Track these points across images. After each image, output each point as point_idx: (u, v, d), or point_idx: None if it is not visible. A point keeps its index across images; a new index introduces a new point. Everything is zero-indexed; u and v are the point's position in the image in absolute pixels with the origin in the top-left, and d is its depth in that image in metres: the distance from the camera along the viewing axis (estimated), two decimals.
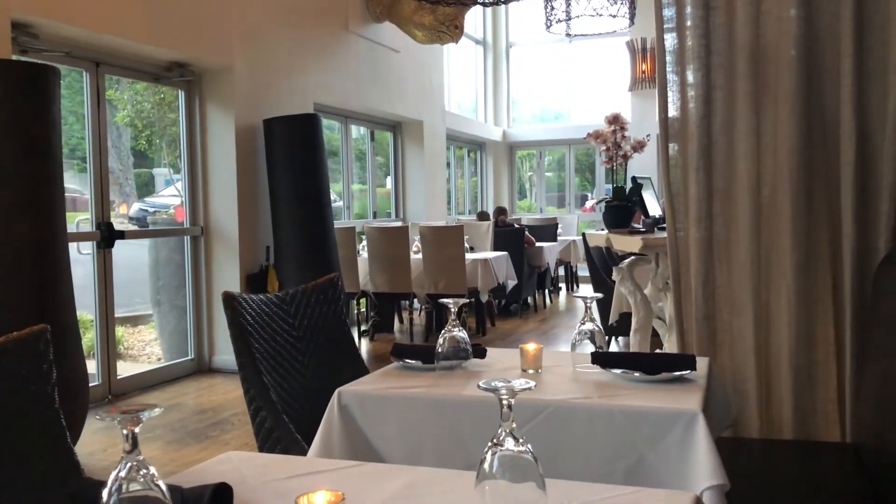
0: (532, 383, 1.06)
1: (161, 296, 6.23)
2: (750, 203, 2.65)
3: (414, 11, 7.55)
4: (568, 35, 7.08)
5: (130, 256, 5.81)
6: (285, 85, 6.39)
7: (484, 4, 6.37)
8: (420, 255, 6.83)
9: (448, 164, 10.70)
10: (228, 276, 5.84)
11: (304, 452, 1.93)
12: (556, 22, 6.54)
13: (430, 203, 9.51)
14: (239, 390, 5.20)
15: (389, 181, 9.55)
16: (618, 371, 1.94)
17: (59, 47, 4.60)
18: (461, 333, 2.03)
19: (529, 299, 8.79)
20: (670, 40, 2.79)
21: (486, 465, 1.08)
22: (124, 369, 5.48)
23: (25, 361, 1.52)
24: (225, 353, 5.85)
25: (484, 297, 6.96)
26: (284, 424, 2.01)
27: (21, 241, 3.60)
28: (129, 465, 1.00)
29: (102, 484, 1.22)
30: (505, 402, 1.06)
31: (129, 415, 1.00)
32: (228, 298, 2.07)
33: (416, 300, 7.05)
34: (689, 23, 2.73)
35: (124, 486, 1.00)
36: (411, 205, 9.45)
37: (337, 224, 6.54)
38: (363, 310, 7.43)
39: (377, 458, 1.88)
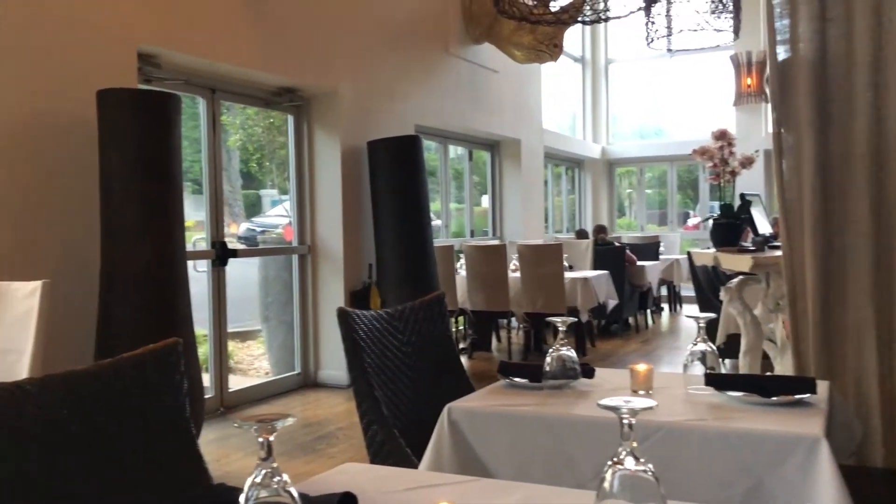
0: (653, 402, 1.06)
1: (269, 312, 6.47)
2: (870, 221, 2.54)
3: (513, 32, 7.61)
4: (669, 50, 6.97)
5: (240, 274, 6.05)
6: (388, 107, 6.55)
7: (584, 22, 6.34)
8: (518, 274, 6.83)
9: (545, 182, 10.67)
10: (333, 293, 6.00)
11: (414, 466, 1.96)
12: (657, 38, 6.45)
13: (527, 221, 9.50)
14: (343, 405, 5.36)
15: (485, 200, 9.61)
16: (734, 393, 1.90)
17: (178, 75, 4.88)
18: (569, 352, 2.03)
19: (630, 319, 8.63)
20: (783, 53, 2.72)
21: (606, 485, 1.08)
22: (235, 382, 5.71)
23: (160, 372, 1.62)
24: (330, 368, 6.01)
25: (584, 317, 6.89)
26: (395, 438, 2.05)
27: (144, 259, 3.83)
28: (263, 471, 1.06)
29: (235, 490, 1.29)
30: (626, 421, 1.06)
31: (265, 423, 1.06)
32: (342, 314, 2.14)
33: (513, 319, 7.05)
34: (802, 34, 2.65)
35: (259, 492, 1.06)
36: (508, 223, 9.47)
37: (435, 242, 6.63)
38: (461, 328, 7.48)
39: (486, 473, 1.90)
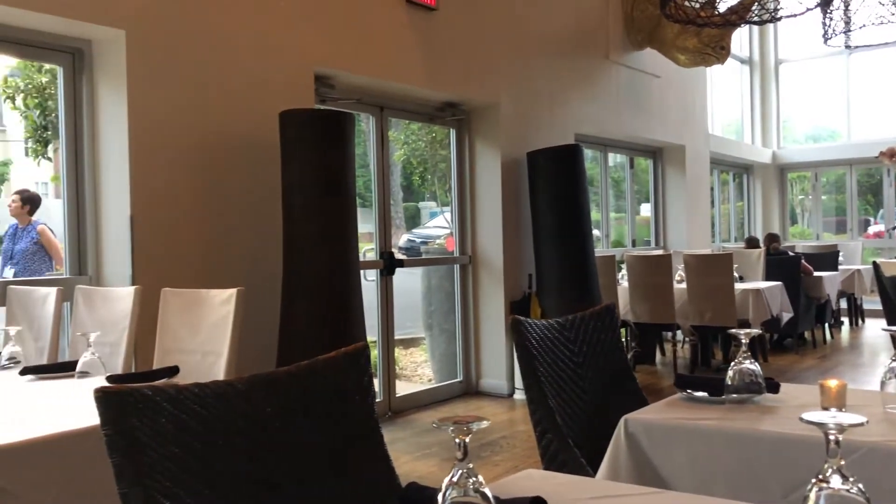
0: (864, 419, 1.01)
1: (432, 320, 6.63)
2: None
3: (677, 35, 7.40)
4: (847, 47, 6.54)
5: (403, 284, 6.25)
6: (547, 117, 6.56)
7: (754, 23, 6.08)
8: (684, 285, 6.60)
9: (711, 189, 10.26)
10: (494, 303, 6.07)
11: (589, 476, 1.96)
12: (835, 34, 6.06)
13: (692, 230, 9.17)
14: (505, 414, 5.41)
15: (644, 208, 9.37)
16: None
17: (350, 95, 5.13)
18: (753, 366, 1.95)
19: (806, 334, 8.10)
20: None
21: None
22: (401, 388, 5.90)
23: (350, 375, 1.72)
24: (491, 376, 6.07)
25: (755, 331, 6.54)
26: (570, 448, 2.06)
27: (322, 269, 4.06)
28: (460, 471, 1.11)
29: (427, 488, 1.35)
30: (832, 437, 1.02)
31: (461, 425, 1.10)
32: (515, 323, 2.17)
33: (679, 331, 6.82)
34: None
35: (455, 491, 1.11)
36: (672, 232, 9.18)
37: (596, 252, 6.54)
38: (623, 340, 7.32)
39: (663, 486, 1.86)
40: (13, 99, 5.05)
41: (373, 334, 5.46)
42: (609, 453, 1.91)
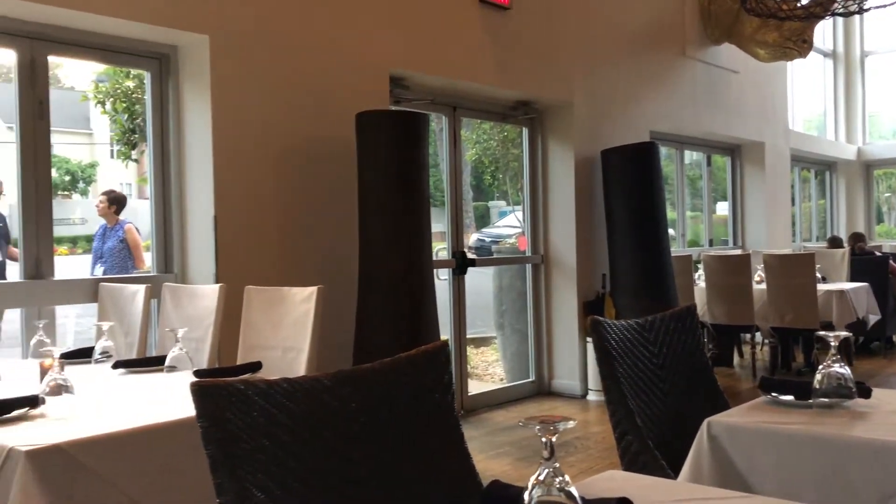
0: None
1: (504, 320, 6.63)
2: None
3: (756, 30, 7.20)
4: None
5: (473, 283, 6.26)
6: (622, 115, 6.48)
7: (839, 15, 5.87)
8: (763, 285, 6.42)
9: (791, 187, 9.94)
10: (566, 303, 6.03)
11: (669, 478, 1.93)
12: None
13: (771, 229, 8.91)
14: (578, 415, 5.36)
15: (720, 207, 9.14)
16: None
17: (424, 95, 5.17)
18: (843, 370, 1.89)
19: (895, 337, 7.78)
20: None
21: None
22: (472, 387, 5.92)
23: (431, 372, 1.73)
24: (564, 377, 6.03)
25: (844, 333, 6.31)
26: (650, 450, 2.03)
27: (396, 267, 4.10)
28: (546, 470, 1.11)
29: (510, 486, 1.35)
30: None
31: (547, 424, 1.11)
32: (595, 323, 2.16)
33: (758, 333, 6.63)
34: None
35: (540, 490, 1.11)
36: (751, 231, 8.93)
37: (672, 252, 6.42)
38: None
39: (748, 490, 1.82)
40: (103, 104, 5.28)
41: (445, 333, 5.49)
42: (691, 456, 1.88)
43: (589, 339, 5.87)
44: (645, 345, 2.35)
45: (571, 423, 1.11)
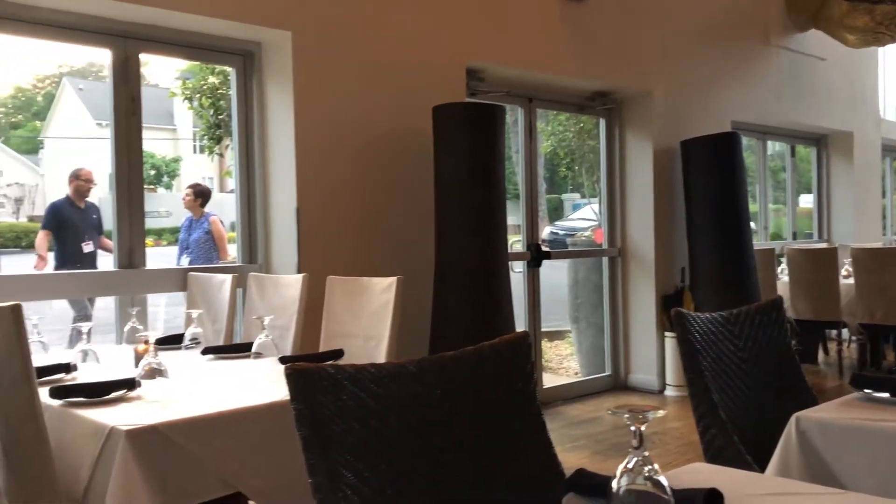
0: None
1: (579, 313, 6.57)
2: None
3: (845, 14, 6.92)
4: None
5: (547, 276, 6.24)
6: (702, 105, 6.33)
7: None
8: (851, 280, 6.18)
9: (882, 178, 9.53)
10: (644, 297, 5.94)
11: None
12: None
13: (860, 222, 8.57)
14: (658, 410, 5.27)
15: (803, 200, 8.83)
16: None
17: (500, 87, 5.17)
18: None
19: None
20: None
21: None
22: (547, 380, 5.90)
23: (513, 361, 1.75)
24: (641, 372, 5.95)
25: None
26: (735, 444, 2.00)
27: (472, 259, 4.12)
28: (635, 459, 1.11)
29: (596, 475, 1.35)
30: None
31: (637, 413, 1.11)
32: (679, 315, 2.13)
33: (845, 330, 6.40)
34: None
35: (628, 478, 1.11)
36: (837, 224, 8.61)
37: (753, 245, 6.25)
38: None
39: (838, 486, 1.77)
40: (191, 100, 5.46)
41: (519, 326, 5.48)
42: (779, 451, 1.84)
43: (667, 334, 5.78)
44: (729, 338, 2.31)
45: (662, 412, 1.11)
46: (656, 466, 1.11)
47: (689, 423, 4.46)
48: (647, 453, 1.11)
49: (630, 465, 1.11)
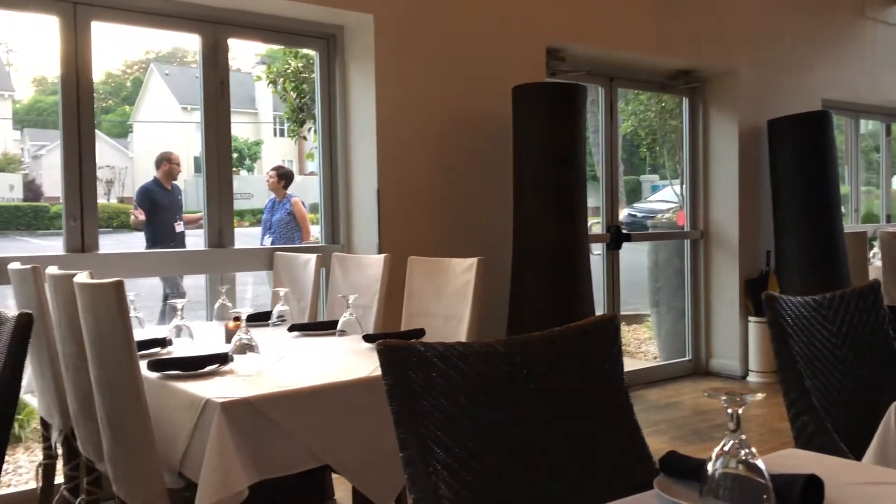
0: None
1: (659, 297, 6.46)
2: None
3: None
4: None
5: (625, 258, 6.15)
6: (791, 83, 6.10)
7: None
8: None
9: None
10: (727, 281, 5.79)
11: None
12: None
13: None
14: None
15: None
16: None
17: (580, 67, 5.10)
18: None
19: None
20: None
21: None
22: (625, 364, 5.81)
23: (600, 343, 1.74)
24: (723, 357, 5.82)
25: None
26: (828, 431, 1.94)
27: (551, 240, 4.10)
28: (731, 442, 1.09)
29: (688, 458, 1.34)
30: None
31: (734, 396, 1.09)
32: (770, 298, 2.07)
33: None
34: None
35: (725, 461, 1.09)
36: None
37: (844, 229, 6.01)
38: None
39: None
40: (275, 83, 5.58)
41: (598, 309, 5.43)
42: (876, 440, 1.77)
43: (751, 319, 5.63)
44: (823, 322, 2.24)
45: (760, 395, 1.09)
46: (753, 450, 1.09)
47: (772, 411, 4.36)
48: (744, 436, 1.09)
49: (727, 448, 1.09)
